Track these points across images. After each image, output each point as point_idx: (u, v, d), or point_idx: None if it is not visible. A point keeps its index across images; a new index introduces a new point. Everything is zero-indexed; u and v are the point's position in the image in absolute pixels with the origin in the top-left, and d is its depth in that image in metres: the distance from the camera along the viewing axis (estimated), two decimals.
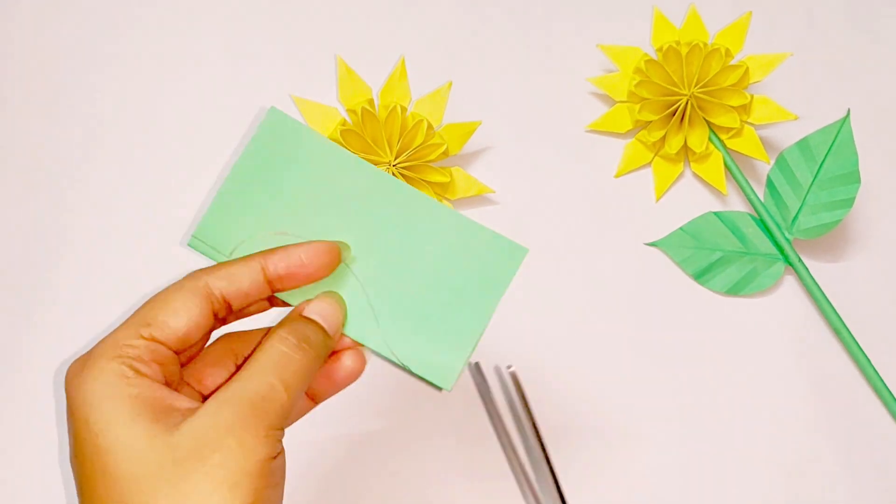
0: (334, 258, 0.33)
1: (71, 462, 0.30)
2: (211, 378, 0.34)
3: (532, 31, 0.54)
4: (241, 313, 0.34)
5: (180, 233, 0.49)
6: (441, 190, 0.47)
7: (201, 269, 0.32)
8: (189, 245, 0.35)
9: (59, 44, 0.52)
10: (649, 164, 0.51)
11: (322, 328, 0.33)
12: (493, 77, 0.53)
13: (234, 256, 0.34)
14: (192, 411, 0.29)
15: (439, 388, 0.35)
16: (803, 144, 0.48)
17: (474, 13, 0.54)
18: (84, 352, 0.30)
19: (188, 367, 0.34)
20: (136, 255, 0.49)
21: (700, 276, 0.49)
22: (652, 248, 0.50)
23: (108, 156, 0.50)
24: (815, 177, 0.48)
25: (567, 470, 0.45)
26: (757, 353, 0.48)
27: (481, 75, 0.53)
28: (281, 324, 0.32)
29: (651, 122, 0.49)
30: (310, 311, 0.33)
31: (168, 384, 0.31)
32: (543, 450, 0.43)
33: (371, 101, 0.47)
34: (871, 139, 0.51)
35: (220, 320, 0.33)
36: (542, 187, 0.51)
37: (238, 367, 0.34)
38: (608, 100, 0.52)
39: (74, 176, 0.50)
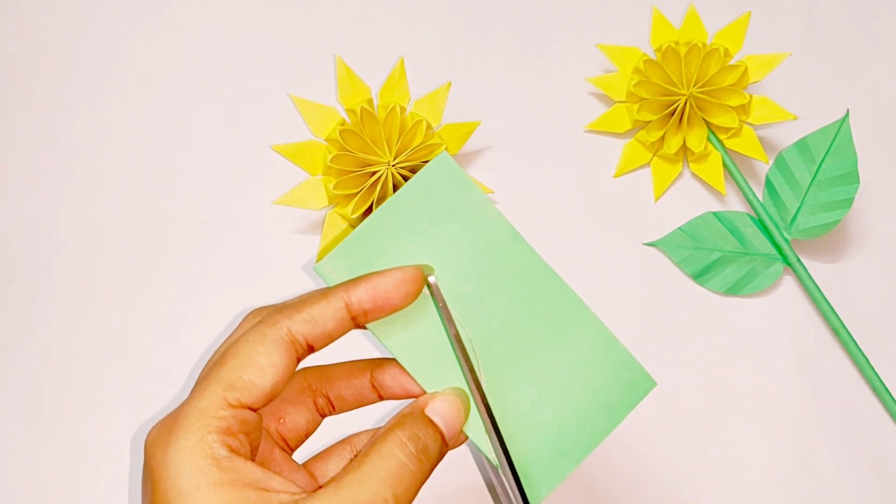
0: (420, 285, 0.31)
1: None
2: (290, 418, 0.32)
3: (531, 31, 0.54)
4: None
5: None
6: None
7: (278, 311, 0.30)
8: (315, 269, 0.32)
9: (59, 44, 0.52)
10: (648, 164, 0.51)
11: (442, 435, 0.30)
12: (492, 77, 0.53)
13: None
14: None
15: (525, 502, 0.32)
16: (802, 144, 0.48)
17: (473, 13, 0.54)
18: (164, 414, 0.29)
19: (268, 406, 0.31)
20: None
21: (699, 276, 0.49)
22: (651, 248, 0.50)
23: (109, 155, 0.50)
24: (814, 177, 0.48)
25: None
26: (755, 354, 0.48)
27: (480, 75, 0.53)
28: (401, 422, 0.30)
29: (650, 122, 0.49)
30: (433, 412, 0.30)
31: (253, 452, 0.29)
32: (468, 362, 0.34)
33: (370, 101, 0.47)
34: (870, 139, 0.51)
35: (300, 361, 0.31)
36: (541, 187, 0.51)
37: (314, 404, 0.33)
38: (607, 100, 0.53)
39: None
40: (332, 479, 0.28)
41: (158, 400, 0.46)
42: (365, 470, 0.28)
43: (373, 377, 0.33)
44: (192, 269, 0.48)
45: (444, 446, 0.30)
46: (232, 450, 0.27)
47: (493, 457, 0.32)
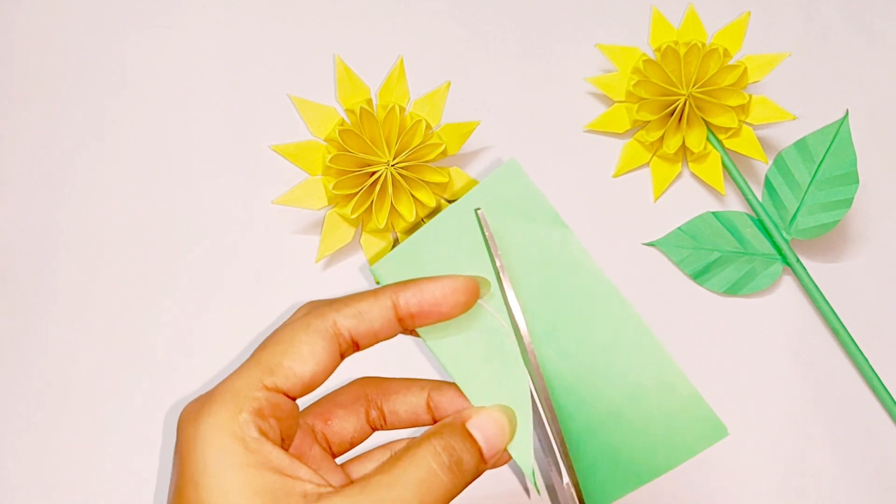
0: (471, 296, 0.30)
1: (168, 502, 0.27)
2: (338, 421, 0.32)
3: (530, 31, 0.54)
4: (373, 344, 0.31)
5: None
6: (439, 190, 0.47)
7: (326, 305, 0.30)
8: (371, 270, 0.32)
9: (58, 44, 0.52)
10: (647, 163, 0.51)
11: (480, 452, 0.29)
12: (492, 77, 0.53)
13: None
14: (314, 501, 0.26)
15: None
16: (801, 145, 0.48)
17: (473, 13, 0.54)
18: (200, 392, 0.28)
19: (319, 403, 0.31)
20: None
21: (698, 276, 0.49)
22: (650, 248, 0.50)
23: (108, 154, 0.50)
24: (814, 177, 0.48)
25: None
26: (755, 353, 0.48)
27: (480, 75, 0.53)
28: (439, 431, 0.29)
29: (649, 121, 0.49)
30: (474, 427, 0.30)
31: (284, 439, 0.28)
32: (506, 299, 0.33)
33: (369, 101, 0.47)
34: (869, 139, 0.51)
35: (343, 357, 0.30)
36: (541, 187, 0.50)
37: (367, 414, 0.32)
38: (606, 100, 0.52)
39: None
40: (362, 478, 0.27)
41: (156, 398, 0.46)
42: (394, 473, 0.27)
43: (430, 398, 0.33)
44: (192, 269, 0.48)
45: (483, 463, 0.30)
46: (261, 432, 0.27)
47: (534, 478, 0.31)
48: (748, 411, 0.47)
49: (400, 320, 0.30)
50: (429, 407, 0.33)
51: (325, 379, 0.29)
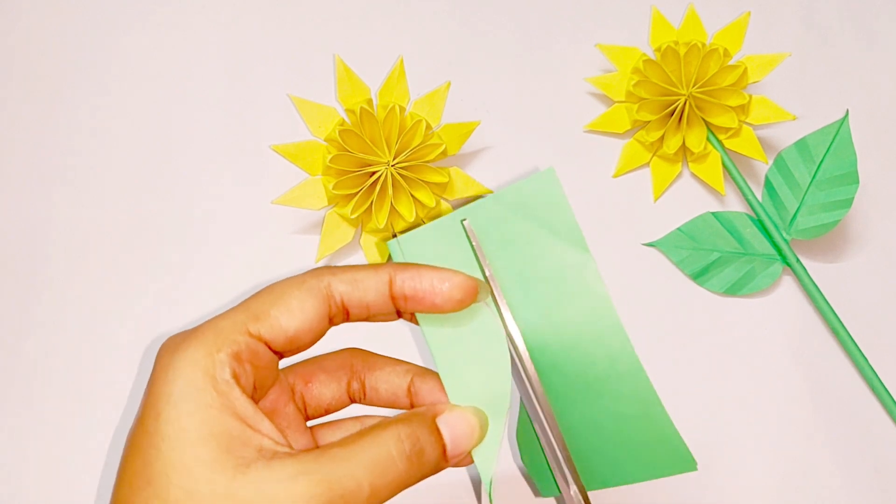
0: (467, 295, 0.30)
1: (128, 437, 0.27)
2: (318, 385, 0.32)
3: (530, 31, 0.54)
4: (368, 320, 0.31)
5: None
6: (439, 190, 0.47)
7: (326, 268, 0.30)
8: (388, 244, 0.32)
9: (57, 43, 0.52)
10: (647, 164, 0.51)
11: (444, 449, 0.29)
12: (492, 77, 0.53)
13: None
14: (267, 457, 0.26)
15: None
16: (801, 145, 0.48)
17: (473, 13, 0.54)
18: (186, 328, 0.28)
19: (303, 364, 0.31)
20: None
21: (698, 276, 0.49)
22: (650, 249, 0.50)
23: (108, 154, 0.50)
24: (814, 177, 0.48)
25: None
26: (754, 354, 0.48)
27: (480, 75, 0.53)
28: (407, 419, 0.29)
29: (649, 122, 0.49)
30: (444, 423, 0.30)
31: (256, 389, 0.28)
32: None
33: (369, 101, 0.47)
34: (869, 139, 0.51)
35: (333, 323, 0.30)
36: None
37: (348, 384, 0.32)
38: (606, 100, 0.52)
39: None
40: (319, 447, 0.27)
41: None
42: (353, 449, 0.27)
43: (412, 382, 0.33)
44: (192, 269, 0.48)
45: (444, 461, 0.30)
46: (234, 375, 0.27)
47: (490, 489, 0.31)
48: (748, 411, 0.47)
49: (393, 299, 0.30)
50: (409, 392, 0.33)
51: (311, 341, 0.29)
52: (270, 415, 0.31)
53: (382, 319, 0.32)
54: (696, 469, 0.33)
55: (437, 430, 0.30)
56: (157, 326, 0.47)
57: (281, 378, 0.32)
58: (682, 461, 0.33)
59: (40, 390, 0.46)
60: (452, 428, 0.30)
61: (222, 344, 0.27)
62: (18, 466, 0.45)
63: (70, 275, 0.48)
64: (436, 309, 0.30)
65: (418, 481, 0.28)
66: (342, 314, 0.30)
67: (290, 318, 0.28)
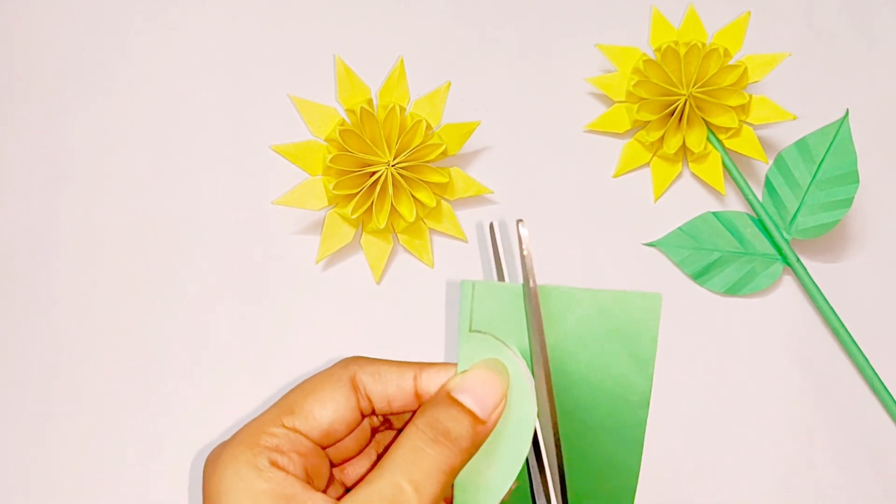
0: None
1: None
2: (352, 468, 0.32)
3: (531, 31, 0.54)
4: (392, 413, 0.31)
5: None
6: (440, 190, 0.47)
7: (354, 359, 0.30)
8: (461, 283, 0.31)
9: (58, 44, 0.52)
10: (648, 164, 0.51)
11: (470, 413, 0.29)
12: (492, 77, 0.53)
13: (472, 330, 0.31)
14: None
15: None
16: (802, 144, 0.48)
17: (473, 13, 0.54)
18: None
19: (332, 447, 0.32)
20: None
21: (698, 276, 0.49)
22: (650, 249, 0.50)
23: (108, 155, 0.50)
24: (814, 177, 0.48)
25: None
26: (755, 353, 0.48)
27: (480, 76, 0.53)
28: (421, 410, 0.29)
29: (649, 122, 0.49)
30: (457, 390, 0.29)
31: (309, 479, 0.29)
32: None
33: (370, 102, 0.47)
34: (869, 139, 0.51)
35: (365, 415, 0.31)
36: (541, 187, 0.51)
37: (378, 458, 0.32)
38: (606, 100, 0.52)
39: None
40: (358, 481, 0.28)
41: (154, 398, 0.46)
42: (384, 464, 0.27)
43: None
44: (192, 270, 0.48)
45: (478, 423, 0.29)
46: (277, 465, 0.28)
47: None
48: (748, 411, 0.47)
49: (418, 396, 0.30)
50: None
51: (347, 431, 0.30)
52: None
53: (403, 410, 0.31)
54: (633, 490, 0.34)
55: (455, 401, 0.29)
56: (158, 328, 0.47)
57: (336, 486, 0.32)
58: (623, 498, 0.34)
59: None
60: (471, 392, 0.29)
61: (262, 440, 0.28)
62: None
63: (70, 275, 0.48)
64: None
65: (466, 459, 0.28)
66: (369, 406, 0.30)
67: (321, 409, 0.29)
